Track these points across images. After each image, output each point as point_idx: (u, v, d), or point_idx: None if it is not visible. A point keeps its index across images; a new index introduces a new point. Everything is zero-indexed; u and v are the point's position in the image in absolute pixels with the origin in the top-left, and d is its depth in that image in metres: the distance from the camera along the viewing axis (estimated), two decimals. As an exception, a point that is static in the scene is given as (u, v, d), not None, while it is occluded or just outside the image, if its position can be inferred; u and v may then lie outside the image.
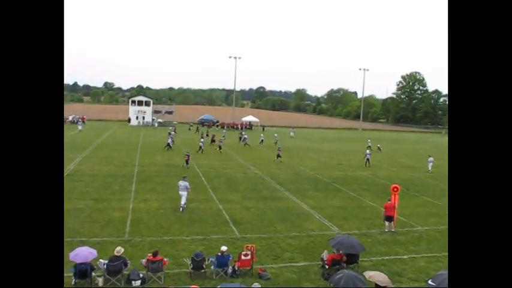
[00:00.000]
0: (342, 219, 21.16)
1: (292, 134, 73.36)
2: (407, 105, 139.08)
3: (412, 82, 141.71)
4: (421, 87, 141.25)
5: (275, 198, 25.17)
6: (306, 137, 74.33)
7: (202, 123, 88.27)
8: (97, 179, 27.50)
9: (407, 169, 40.27)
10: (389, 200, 19.65)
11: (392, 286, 12.37)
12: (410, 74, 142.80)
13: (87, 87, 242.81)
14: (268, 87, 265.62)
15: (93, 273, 12.73)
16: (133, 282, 12.77)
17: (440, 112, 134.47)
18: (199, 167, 34.09)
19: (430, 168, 38.33)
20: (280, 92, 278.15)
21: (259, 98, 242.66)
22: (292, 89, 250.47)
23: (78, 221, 18.41)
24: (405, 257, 16.41)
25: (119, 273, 12.85)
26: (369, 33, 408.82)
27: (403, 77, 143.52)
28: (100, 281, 12.75)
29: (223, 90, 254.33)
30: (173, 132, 55.51)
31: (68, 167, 30.70)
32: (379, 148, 54.63)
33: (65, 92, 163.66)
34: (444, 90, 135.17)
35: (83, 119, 76.89)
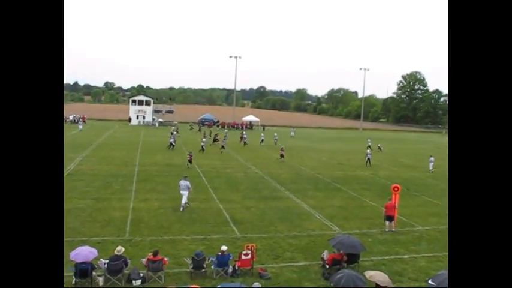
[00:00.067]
0: (342, 218, 21.15)
1: (292, 133, 73.37)
2: (408, 105, 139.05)
3: (412, 82, 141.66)
4: (421, 87, 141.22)
5: (275, 197, 25.16)
6: (306, 136, 74.32)
7: (202, 122, 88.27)
8: (97, 179, 27.51)
9: (408, 169, 40.25)
10: (390, 199, 19.64)
11: (393, 286, 12.37)
12: (410, 73, 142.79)
13: (87, 87, 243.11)
14: (268, 87, 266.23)
15: (93, 273, 12.73)
16: (133, 281, 12.78)
17: (440, 112, 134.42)
18: (199, 166, 34.08)
19: (431, 168, 38.30)
20: (281, 91, 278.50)
21: (260, 97, 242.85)
22: (293, 89, 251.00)
23: (78, 221, 18.41)
24: (406, 256, 16.40)
25: (120, 272, 12.85)
26: (369, 33, 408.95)
27: (403, 77, 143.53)
28: (100, 281, 12.75)
29: (224, 90, 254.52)
30: (175, 132, 55.49)
31: (69, 167, 30.70)
32: (379, 148, 54.62)
33: (65, 92, 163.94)
34: (445, 90, 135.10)
35: (83, 118, 76.93)
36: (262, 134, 62.39)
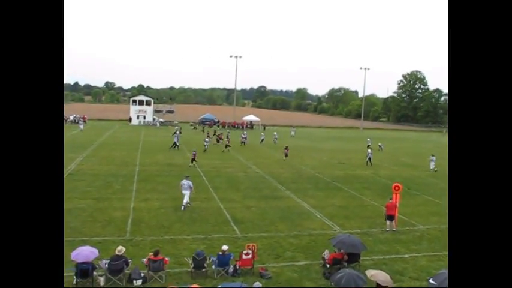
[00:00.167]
0: (343, 218, 21.15)
1: (293, 133, 73.44)
2: (409, 104, 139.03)
3: (413, 81, 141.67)
4: (422, 86, 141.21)
5: (276, 197, 25.16)
6: (306, 136, 74.33)
7: (203, 122, 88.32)
8: (98, 179, 27.52)
9: (409, 168, 40.23)
10: (391, 199, 19.64)
11: (394, 285, 12.35)
12: (411, 72, 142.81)
13: (88, 87, 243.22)
14: (269, 87, 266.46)
15: (94, 273, 12.73)
16: (134, 281, 12.79)
17: (441, 111, 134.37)
18: (200, 166, 34.07)
19: (432, 166, 38.22)
20: (281, 91, 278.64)
21: (260, 97, 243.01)
22: (293, 88, 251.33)
23: (79, 221, 18.42)
24: (406, 256, 16.39)
25: (120, 272, 12.85)
26: (370, 32, 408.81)
27: (404, 76, 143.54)
28: (101, 281, 12.75)
29: (224, 89, 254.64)
30: (178, 132, 55.50)
31: (69, 167, 30.72)
32: (380, 147, 54.62)
33: (66, 92, 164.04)
34: (445, 89, 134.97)
35: (84, 118, 76.91)
36: (262, 134, 62.57)
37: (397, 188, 20.03)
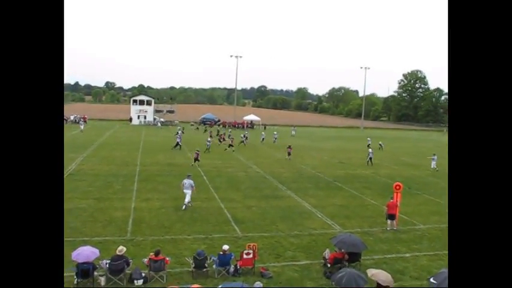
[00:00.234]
0: (343, 217, 21.14)
1: (293, 132, 73.52)
2: (409, 104, 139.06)
3: (413, 80, 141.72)
4: (422, 86, 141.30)
5: (277, 196, 25.15)
6: (307, 135, 74.36)
7: (203, 122, 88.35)
8: (99, 179, 27.53)
9: (409, 167, 40.22)
10: (392, 198, 19.63)
11: (395, 285, 12.35)
12: (411, 72, 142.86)
13: (88, 87, 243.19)
14: (269, 86, 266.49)
15: (95, 273, 12.74)
16: (135, 281, 12.79)
17: (441, 110, 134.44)
18: (201, 166, 34.07)
19: (433, 166, 38.15)
20: (282, 90, 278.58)
21: (261, 96, 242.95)
22: (294, 88, 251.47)
23: (80, 221, 18.42)
24: (407, 255, 16.39)
25: (121, 272, 12.85)
26: (370, 32, 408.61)
27: (404, 75, 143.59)
28: (102, 281, 12.76)
29: (225, 89, 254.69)
30: (180, 132, 55.51)
31: (70, 167, 30.73)
32: (380, 146, 54.63)
33: (66, 92, 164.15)
34: (446, 88, 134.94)
35: (84, 118, 76.94)
36: (263, 133, 62.73)
37: (397, 187, 20.02)
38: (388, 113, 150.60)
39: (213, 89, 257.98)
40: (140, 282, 12.80)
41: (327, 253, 14.84)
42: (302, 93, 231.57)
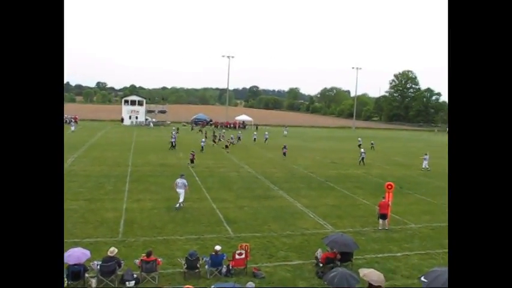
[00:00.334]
0: (335, 217, 21.20)
1: (285, 132, 73.68)
2: (400, 104, 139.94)
3: (404, 80, 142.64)
4: (413, 86, 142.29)
5: (269, 197, 25.17)
6: (299, 135, 74.51)
7: (195, 122, 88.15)
8: (90, 180, 27.35)
9: (401, 167, 40.44)
10: (384, 198, 19.73)
11: (386, 284, 12.40)
12: (402, 72, 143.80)
13: (79, 87, 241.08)
14: (261, 86, 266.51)
15: (86, 275, 12.63)
16: (127, 282, 12.71)
17: (432, 110, 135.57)
18: (193, 166, 34.01)
19: (425, 165, 38.36)
20: (274, 91, 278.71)
21: (253, 97, 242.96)
22: (286, 88, 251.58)
23: (71, 222, 18.28)
24: (399, 254, 16.48)
25: (113, 274, 12.78)
26: (362, 32, 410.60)
27: (395, 76, 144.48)
28: (93, 282, 12.65)
29: (217, 89, 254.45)
30: (174, 132, 55.28)
31: (61, 168, 30.46)
32: (372, 145, 54.90)
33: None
34: (436, 88, 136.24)
35: (75, 119, 76.40)
36: (255, 133, 62.89)
37: (389, 187, 20.11)
38: (380, 113, 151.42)
39: (205, 89, 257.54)
40: (132, 283, 12.72)
41: (319, 253, 14.88)
42: (294, 93, 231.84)
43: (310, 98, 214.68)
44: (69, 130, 61.02)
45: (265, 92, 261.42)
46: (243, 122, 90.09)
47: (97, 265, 12.85)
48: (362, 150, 42.58)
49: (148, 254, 13.16)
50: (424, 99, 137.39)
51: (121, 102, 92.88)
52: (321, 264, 14.40)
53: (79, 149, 41.46)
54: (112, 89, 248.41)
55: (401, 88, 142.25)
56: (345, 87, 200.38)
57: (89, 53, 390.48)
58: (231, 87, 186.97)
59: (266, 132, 62.89)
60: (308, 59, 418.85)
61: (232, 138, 52.09)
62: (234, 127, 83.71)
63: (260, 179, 30.34)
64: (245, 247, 14.18)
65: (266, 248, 16.36)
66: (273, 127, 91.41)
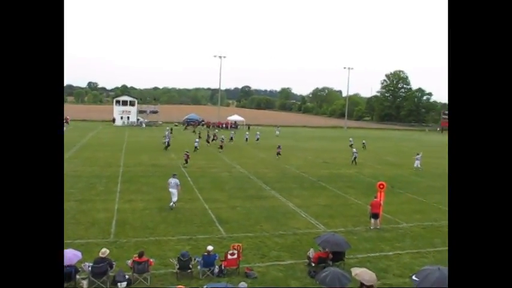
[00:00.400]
0: (327, 217, 21.27)
1: (277, 132, 73.78)
2: (392, 104, 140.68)
3: (396, 80, 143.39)
4: (404, 86, 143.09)
5: (261, 197, 25.18)
6: (291, 135, 74.61)
7: (187, 122, 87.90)
8: (81, 180, 27.17)
9: (392, 166, 40.66)
10: (376, 197, 19.82)
11: (378, 283, 12.45)
12: (394, 72, 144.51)
13: (70, 87, 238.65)
14: (253, 86, 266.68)
15: (77, 276, 12.56)
16: (119, 284, 12.64)
17: (423, 110, 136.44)
18: (185, 166, 33.93)
19: (417, 165, 38.53)
20: (266, 91, 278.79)
21: (245, 97, 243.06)
22: (278, 88, 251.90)
23: (62, 223, 18.14)
24: (390, 253, 16.57)
25: (104, 275, 12.70)
26: (353, 32, 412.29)
27: (387, 76, 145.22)
28: (85, 284, 12.57)
29: (209, 89, 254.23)
30: (168, 132, 55.01)
31: (51, 168, 30.23)
32: (363, 145, 55.15)
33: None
34: (427, 88, 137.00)
35: (66, 119, 75.76)
36: (247, 133, 62.90)
37: (381, 186, 20.22)
38: (371, 113, 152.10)
39: (197, 89, 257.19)
40: (124, 284, 12.66)
41: (311, 252, 14.91)
42: (286, 93, 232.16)
43: (302, 98, 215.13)
44: (60, 130, 60.52)
45: (257, 92, 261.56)
46: (235, 122, 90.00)
47: (88, 266, 12.77)
48: (354, 150, 42.74)
49: (140, 255, 13.11)
50: (415, 99, 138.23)
51: (112, 102, 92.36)
52: (313, 264, 14.44)
53: (70, 150, 41.12)
54: (103, 89, 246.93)
55: (392, 88, 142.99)
56: (336, 87, 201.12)
57: (80, 53, 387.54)
58: (222, 87, 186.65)
59: (258, 132, 62.94)
60: (300, 59, 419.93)
61: (223, 139, 51.65)
62: (226, 127, 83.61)
63: (252, 179, 30.34)
64: (237, 247, 14.17)
65: (258, 248, 16.37)
66: (265, 127, 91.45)
